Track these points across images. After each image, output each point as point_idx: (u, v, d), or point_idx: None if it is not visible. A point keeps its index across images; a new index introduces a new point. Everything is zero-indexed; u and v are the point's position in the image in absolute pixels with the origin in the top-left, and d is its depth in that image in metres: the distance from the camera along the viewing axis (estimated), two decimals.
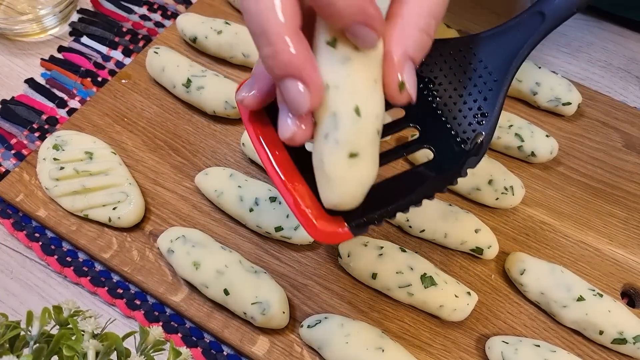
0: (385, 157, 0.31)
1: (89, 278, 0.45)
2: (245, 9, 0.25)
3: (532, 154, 0.50)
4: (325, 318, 0.41)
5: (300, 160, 0.30)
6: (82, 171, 0.46)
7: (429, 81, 0.33)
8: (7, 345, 0.29)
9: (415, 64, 0.28)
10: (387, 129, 0.32)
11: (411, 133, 0.44)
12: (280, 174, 0.30)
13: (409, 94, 0.28)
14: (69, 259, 0.46)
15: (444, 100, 0.32)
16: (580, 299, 0.42)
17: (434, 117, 0.32)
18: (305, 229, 0.29)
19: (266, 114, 0.32)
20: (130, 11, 0.61)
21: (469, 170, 0.31)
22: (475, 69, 0.32)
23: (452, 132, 0.32)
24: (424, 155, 0.44)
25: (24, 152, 0.51)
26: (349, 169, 0.27)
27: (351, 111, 0.26)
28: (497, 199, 0.47)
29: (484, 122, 0.31)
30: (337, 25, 0.26)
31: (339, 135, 0.27)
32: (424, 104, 0.32)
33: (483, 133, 0.31)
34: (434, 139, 0.32)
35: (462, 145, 0.31)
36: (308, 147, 0.30)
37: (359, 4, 0.25)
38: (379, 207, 0.30)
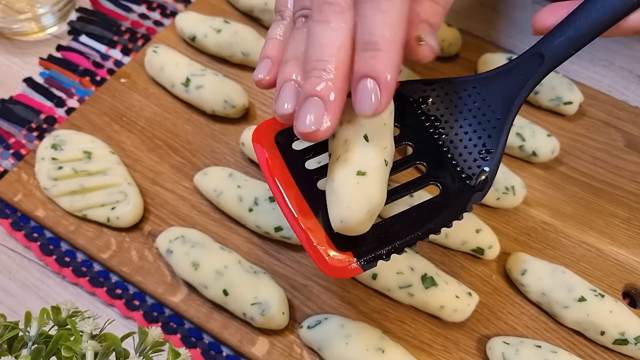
0: (393, 195, 0.33)
1: (87, 278, 0.45)
2: (318, 41, 0.28)
3: (534, 153, 0.49)
4: (325, 319, 0.41)
5: (312, 201, 0.32)
6: (81, 171, 0.46)
7: (436, 119, 0.35)
8: (6, 346, 0.29)
9: (433, 29, 0.31)
10: (396, 167, 0.34)
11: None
12: (294, 212, 0.31)
13: (430, 45, 0.31)
14: (67, 259, 0.45)
15: (450, 137, 0.34)
16: (582, 299, 0.42)
17: (440, 154, 0.34)
18: (317, 264, 0.30)
19: (277, 146, 0.34)
20: (129, 10, 0.61)
21: None
22: (479, 107, 0.34)
23: (458, 169, 0.33)
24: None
25: (22, 151, 0.51)
26: (356, 184, 0.29)
27: (361, 137, 0.30)
28: (498, 199, 0.47)
29: (488, 158, 0.32)
30: (363, 69, 0.27)
31: (349, 155, 0.30)
32: (431, 141, 0.34)
33: (487, 169, 0.32)
34: (440, 175, 0.33)
35: (468, 181, 0.32)
36: (320, 185, 0.33)
37: (394, 66, 0.27)
38: (387, 243, 0.31)
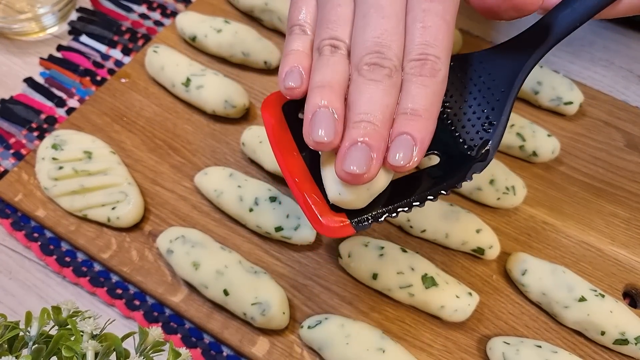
0: None
1: (88, 278, 0.45)
2: (369, 97, 0.29)
3: (534, 153, 0.49)
4: (326, 319, 0.41)
5: (313, 166, 0.32)
6: (81, 171, 0.46)
7: None
8: (6, 345, 0.29)
9: None
10: None
11: None
12: (292, 174, 0.31)
13: None
14: (67, 259, 0.45)
15: (454, 110, 0.34)
16: (582, 299, 0.42)
17: (442, 125, 0.33)
18: (311, 222, 0.30)
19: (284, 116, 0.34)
20: (130, 10, 0.61)
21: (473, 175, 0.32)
22: (484, 81, 0.34)
23: (460, 140, 0.33)
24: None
25: (23, 151, 0.51)
26: None
27: None
28: (498, 198, 0.47)
29: (490, 130, 0.32)
30: (403, 128, 0.29)
31: None
32: None
33: (490, 140, 0.32)
34: (440, 145, 0.33)
35: (469, 152, 0.32)
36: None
37: (430, 132, 0.29)
38: (383, 205, 0.31)
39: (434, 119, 0.29)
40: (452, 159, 0.33)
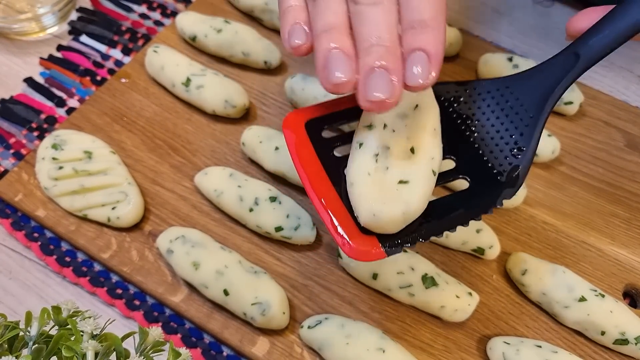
0: None
1: (88, 278, 0.45)
2: (373, 21, 0.28)
3: None
4: (326, 319, 0.41)
5: (339, 186, 0.32)
6: (81, 171, 0.46)
7: (467, 118, 0.35)
8: (6, 345, 0.29)
9: None
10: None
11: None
12: (319, 195, 0.31)
13: None
14: (67, 259, 0.45)
15: (482, 135, 0.34)
16: (582, 299, 0.42)
17: (471, 150, 0.34)
18: (340, 247, 0.30)
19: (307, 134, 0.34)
20: (130, 10, 0.61)
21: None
22: (512, 106, 0.34)
23: (489, 165, 0.33)
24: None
25: (23, 151, 0.51)
26: (395, 191, 0.30)
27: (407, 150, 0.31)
28: None
29: (520, 155, 0.32)
30: (415, 44, 0.28)
31: (389, 161, 0.31)
32: (462, 138, 0.34)
33: (519, 166, 0.32)
34: (469, 170, 0.33)
35: (498, 177, 0.32)
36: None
37: (442, 41, 0.28)
38: (414, 230, 0.31)
39: (442, 29, 0.28)
40: (482, 184, 0.33)
